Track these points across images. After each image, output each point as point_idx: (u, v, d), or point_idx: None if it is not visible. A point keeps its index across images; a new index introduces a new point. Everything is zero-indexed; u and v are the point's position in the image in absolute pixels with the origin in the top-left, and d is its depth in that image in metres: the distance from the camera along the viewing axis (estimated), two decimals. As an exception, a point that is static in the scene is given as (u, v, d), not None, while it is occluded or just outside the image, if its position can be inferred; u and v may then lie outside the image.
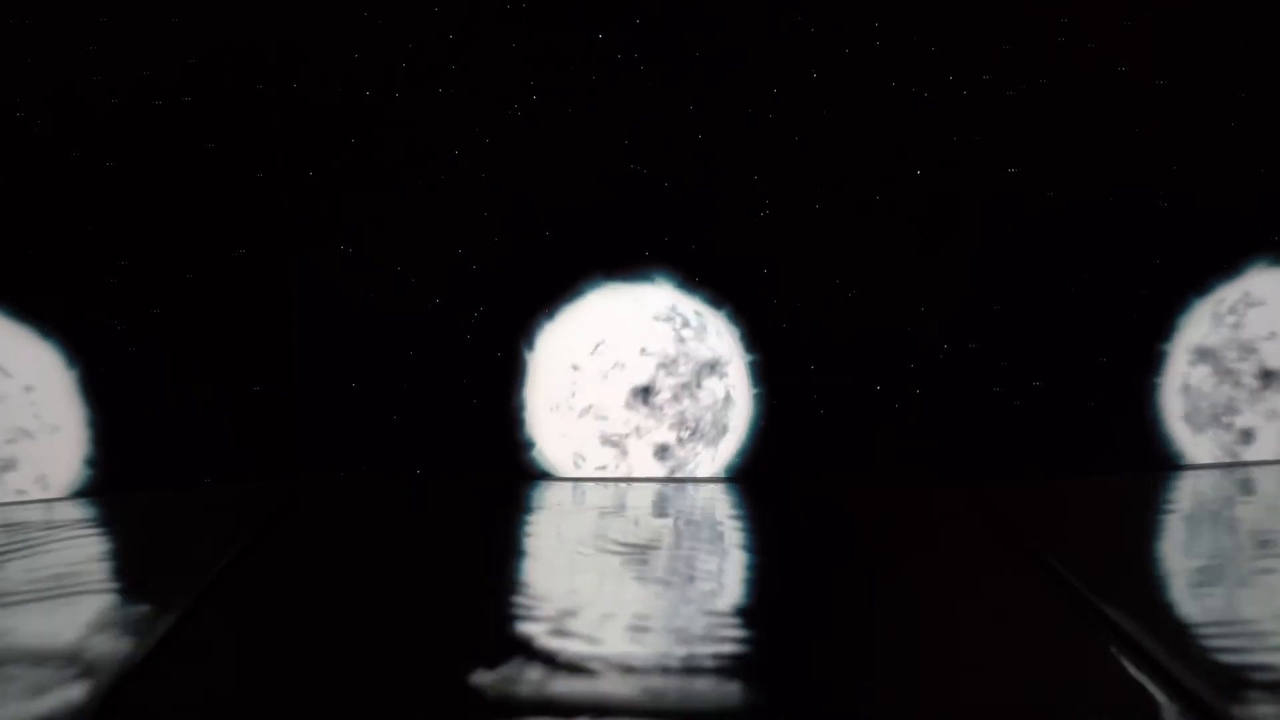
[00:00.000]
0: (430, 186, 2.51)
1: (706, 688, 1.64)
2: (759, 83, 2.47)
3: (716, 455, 2.57)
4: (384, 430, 2.56)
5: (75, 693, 1.61)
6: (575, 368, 2.54)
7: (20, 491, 2.47)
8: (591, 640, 1.78)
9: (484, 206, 2.52)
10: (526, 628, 1.84)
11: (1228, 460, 2.60)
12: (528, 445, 2.56)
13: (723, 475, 2.58)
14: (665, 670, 1.68)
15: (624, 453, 2.56)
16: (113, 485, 2.48)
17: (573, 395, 2.56)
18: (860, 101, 2.47)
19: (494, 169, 2.51)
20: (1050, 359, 2.54)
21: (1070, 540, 2.16)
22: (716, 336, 2.53)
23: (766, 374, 2.54)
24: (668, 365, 2.53)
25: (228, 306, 2.51)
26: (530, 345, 2.53)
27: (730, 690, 1.64)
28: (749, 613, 1.92)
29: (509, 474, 2.57)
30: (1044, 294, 2.52)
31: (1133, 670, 1.66)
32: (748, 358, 2.54)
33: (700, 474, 2.58)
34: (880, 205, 2.48)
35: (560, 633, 1.81)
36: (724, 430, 2.54)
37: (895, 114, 2.46)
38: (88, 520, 2.37)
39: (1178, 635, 1.76)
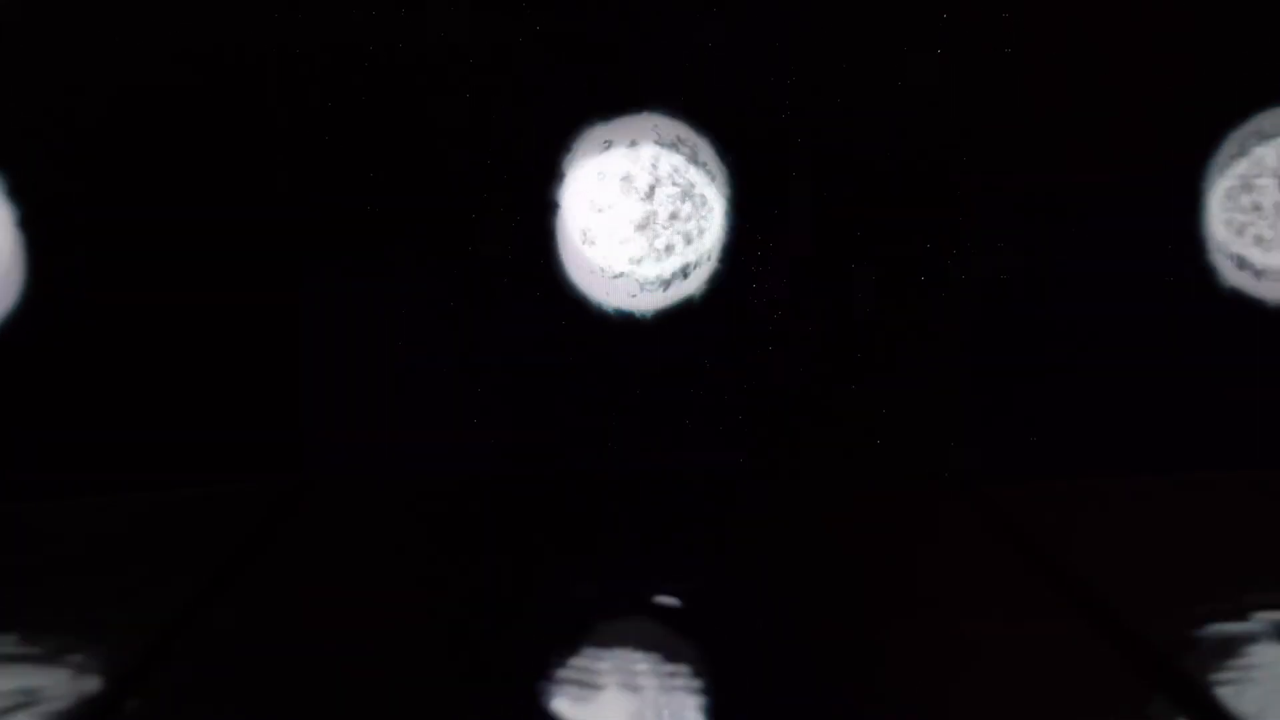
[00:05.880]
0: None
1: (705, 691, 1.64)
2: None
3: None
4: (387, 427, 2.55)
5: (73, 694, 1.61)
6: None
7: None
8: (591, 640, 1.79)
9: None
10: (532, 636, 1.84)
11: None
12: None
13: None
14: (665, 669, 1.69)
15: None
16: (111, 484, 2.47)
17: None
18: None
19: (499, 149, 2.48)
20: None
21: (1076, 545, 2.17)
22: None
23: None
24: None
25: (227, 303, 2.51)
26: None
27: (725, 697, 1.65)
28: (746, 619, 1.92)
29: (518, 468, 2.56)
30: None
31: (1142, 678, 1.66)
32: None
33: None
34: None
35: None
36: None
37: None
38: (87, 519, 2.37)
39: (1189, 641, 1.76)
